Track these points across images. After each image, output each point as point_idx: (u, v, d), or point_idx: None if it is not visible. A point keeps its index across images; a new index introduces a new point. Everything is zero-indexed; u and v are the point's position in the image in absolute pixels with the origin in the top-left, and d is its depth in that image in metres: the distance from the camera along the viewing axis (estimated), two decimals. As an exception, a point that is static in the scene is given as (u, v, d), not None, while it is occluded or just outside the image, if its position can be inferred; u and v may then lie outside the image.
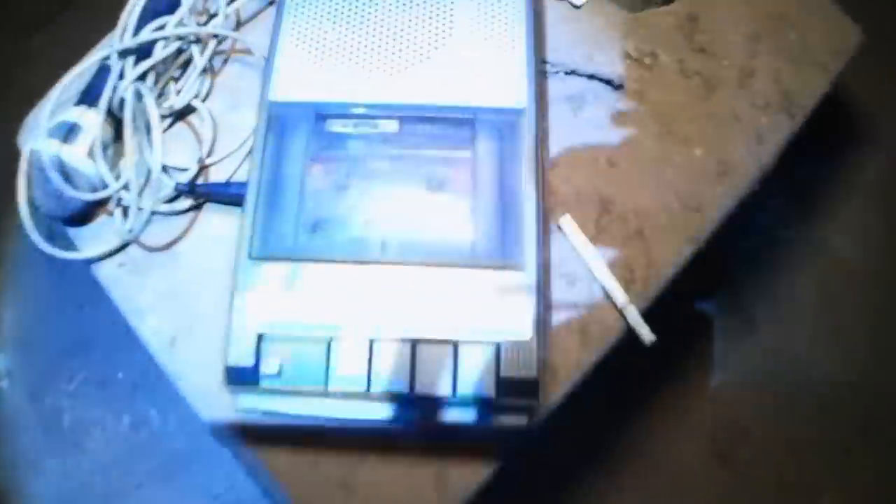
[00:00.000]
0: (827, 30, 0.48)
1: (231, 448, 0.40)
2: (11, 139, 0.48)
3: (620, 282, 0.41)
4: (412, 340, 0.34)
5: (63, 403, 0.73)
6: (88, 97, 0.45)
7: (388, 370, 0.34)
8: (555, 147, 0.44)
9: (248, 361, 0.35)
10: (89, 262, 0.44)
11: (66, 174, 0.43)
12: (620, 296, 0.41)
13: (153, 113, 0.43)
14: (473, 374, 0.34)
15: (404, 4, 0.42)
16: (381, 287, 0.35)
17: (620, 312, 0.41)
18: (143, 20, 0.46)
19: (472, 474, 0.39)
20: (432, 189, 0.37)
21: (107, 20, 0.47)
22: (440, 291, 0.35)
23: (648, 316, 0.41)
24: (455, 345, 0.34)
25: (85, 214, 0.45)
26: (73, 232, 0.46)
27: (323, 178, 0.38)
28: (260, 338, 0.35)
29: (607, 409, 0.65)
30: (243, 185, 0.40)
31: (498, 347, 0.34)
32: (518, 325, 0.34)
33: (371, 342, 0.34)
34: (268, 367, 0.35)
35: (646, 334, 0.41)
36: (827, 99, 0.48)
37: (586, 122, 0.45)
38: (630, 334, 0.41)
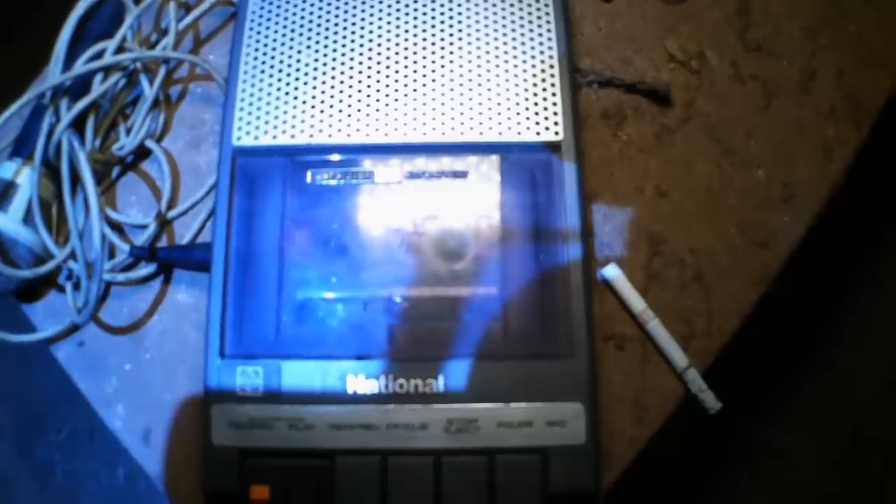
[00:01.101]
0: (883, 21, 0.40)
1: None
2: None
3: (678, 339, 0.34)
4: (435, 452, 0.28)
5: (54, 456, 0.70)
6: (23, 148, 0.38)
7: (406, 492, 0.27)
8: (591, 177, 0.36)
9: (231, 487, 0.28)
10: (48, 341, 0.38)
11: (1, 248, 0.36)
12: (680, 358, 0.34)
13: (84, 164, 0.36)
14: (515, 491, 0.27)
15: (402, 13, 0.34)
16: (391, 388, 0.28)
17: (680, 377, 0.34)
18: (81, 47, 0.38)
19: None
20: (449, 257, 0.30)
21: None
22: (466, 390, 0.28)
23: (710, 375, 0.34)
24: (490, 455, 0.27)
25: (33, 288, 0.38)
26: (28, 308, 0.39)
27: (307, 246, 0.30)
28: (244, 456, 0.28)
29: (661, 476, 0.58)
30: (209, 246, 0.33)
31: (545, 456, 0.27)
32: (569, 426, 0.27)
33: (384, 457, 0.28)
34: (256, 493, 0.28)
35: (711, 402, 0.34)
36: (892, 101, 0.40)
37: (628, 144, 0.37)
38: (692, 401, 0.34)
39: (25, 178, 0.37)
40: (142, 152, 0.39)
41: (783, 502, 0.64)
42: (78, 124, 0.37)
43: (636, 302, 0.34)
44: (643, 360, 0.34)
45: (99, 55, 0.38)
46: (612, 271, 0.34)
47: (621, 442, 0.34)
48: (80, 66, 0.37)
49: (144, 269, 0.37)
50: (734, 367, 0.37)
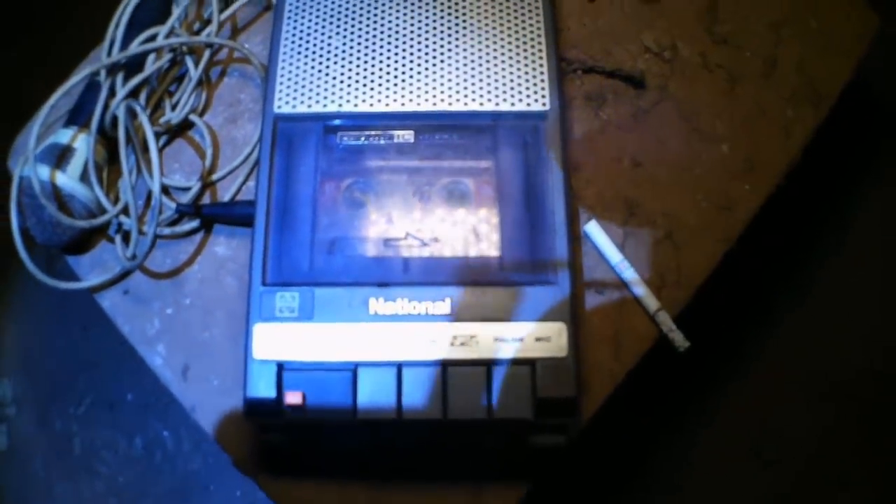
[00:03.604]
0: (847, 16, 0.47)
1: (254, 478, 0.38)
2: (2, 161, 0.46)
3: (651, 287, 0.39)
4: (442, 362, 0.33)
5: (73, 428, 0.71)
6: (78, 117, 0.43)
7: (418, 395, 0.32)
8: (576, 149, 0.42)
9: (270, 393, 0.33)
10: (92, 290, 0.42)
11: (61, 201, 0.41)
12: (652, 302, 0.39)
13: (149, 130, 0.41)
14: (509, 395, 0.32)
15: (414, 5, 0.40)
16: (407, 309, 0.33)
17: (652, 319, 0.39)
18: (132, 32, 0.44)
19: (508, 496, 0.37)
20: (455, 202, 0.35)
21: (96, 33, 0.44)
22: (469, 311, 0.33)
23: (681, 321, 0.40)
24: (488, 366, 0.32)
25: (83, 242, 0.43)
26: (73, 260, 0.43)
27: (337, 194, 0.36)
28: (280, 368, 0.33)
29: (636, 413, 0.63)
30: (250, 203, 0.38)
31: (533, 367, 0.32)
32: (553, 342, 0.33)
33: (399, 367, 0.33)
34: (291, 398, 0.33)
35: (679, 340, 0.39)
36: (850, 88, 0.46)
37: (607, 122, 0.43)
38: (663, 342, 0.39)
39: (81, 143, 0.42)
40: (184, 126, 0.45)
41: (747, 436, 0.68)
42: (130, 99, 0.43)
43: (613, 254, 0.40)
44: (620, 305, 0.40)
45: (152, 38, 0.44)
46: (592, 227, 0.40)
47: (601, 376, 0.39)
48: (135, 47, 0.43)
49: (188, 225, 0.42)
50: (701, 316, 0.42)
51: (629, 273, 0.39)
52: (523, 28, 0.39)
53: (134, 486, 0.68)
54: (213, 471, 0.67)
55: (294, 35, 0.40)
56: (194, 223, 0.42)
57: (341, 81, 0.38)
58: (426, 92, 0.37)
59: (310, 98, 0.38)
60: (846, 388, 0.69)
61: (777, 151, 0.43)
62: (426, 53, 0.38)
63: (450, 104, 0.37)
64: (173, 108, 0.44)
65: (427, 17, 0.39)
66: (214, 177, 0.43)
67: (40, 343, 0.74)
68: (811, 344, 0.70)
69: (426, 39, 0.39)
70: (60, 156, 0.41)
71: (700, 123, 0.43)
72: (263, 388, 0.33)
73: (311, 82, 0.38)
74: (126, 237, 0.42)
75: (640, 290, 0.39)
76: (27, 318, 0.74)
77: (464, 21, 0.39)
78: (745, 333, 0.71)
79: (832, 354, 0.70)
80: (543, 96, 0.37)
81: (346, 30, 0.40)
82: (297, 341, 0.33)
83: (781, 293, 0.72)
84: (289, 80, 0.38)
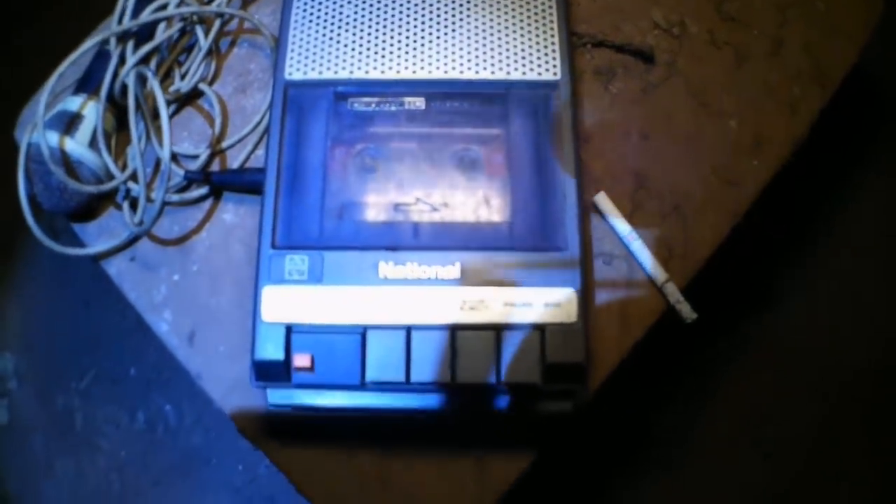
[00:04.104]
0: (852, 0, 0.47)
1: (260, 446, 0.39)
2: (9, 134, 0.46)
3: (659, 259, 0.40)
4: (451, 327, 0.33)
5: (74, 403, 0.71)
6: (87, 85, 0.43)
7: (426, 359, 0.32)
8: (585, 122, 0.42)
9: (278, 356, 0.33)
10: (98, 258, 0.42)
11: (69, 167, 0.41)
12: (660, 273, 0.39)
13: (160, 95, 0.41)
14: (517, 360, 0.32)
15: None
16: (416, 274, 0.33)
17: (660, 291, 0.39)
18: (143, 2, 0.44)
19: (514, 464, 0.37)
20: (465, 169, 0.35)
21: (104, 6, 0.44)
22: (478, 276, 0.33)
23: (688, 294, 0.40)
24: (497, 330, 0.33)
25: (90, 208, 0.43)
26: (79, 228, 0.44)
27: (347, 160, 0.36)
28: (289, 331, 0.33)
29: (640, 390, 0.64)
30: (259, 171, 0.38)
31: (542, 332, 0.33)
32: (563, 308, 0.33)
33: (408, 331, 0.33)
34: (300, 361, 0.33)
35: (686, 312, 0.39)
36: (855, 70, 0.46)
37: (617, 96, 0.43)
38: (670, 314, 0.40)
39: (90, 110, 0.42)
40: (193, 95, 0.45)
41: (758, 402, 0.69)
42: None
43: (622, 225, 0.40)
44: (628, 276, 0.40)
45: (163, 7, 0.43)
46: (601, 198, 0.40)
47: (609, 347, 0.39)
48: (146, 16, 0.43)
49: (197, 192, 0.42)
50: (706, 298, 0.42)
51: (637, 244, 0.39)
52: (537, 3, 0.39)
53: (135, 460, 0.68)
54: (216, 445, 0.67)
55: (305, 1, 0.40)
56: (203, 190, 0.42)
57: (352, 48, 0.38)
58: (437, 59, 0.37)
59: (321, 64, 0.38)
60: (847, 379, 0.69)
61: (784, 128, 0.43)
62: (438, 21, 0.38)
63: (461, 72, 0.37)
64: (183, 77, 0.44)
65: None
66: (223, 145, 0.43)
67: (42, 318, 0.74)
68: (813, 333, 0.71)
69: (438, 7, 0.39)
70: (69, 123, 0.41)
71: (708, 99, 0.43)
72: (272, 350, 0.33)
73: (322, 48, 0.38)
74: (134, 204, 0.42)
75: (648, 261, 0.39)
76: (29, 292, 0.74)
77: (478, -8, 0.39)
78: (747, 320, 0.71)
79: (834, 345, 0.70)
80: (555, 66, 0.37)
81: (357, -3, 0.39)
82: (305, 304, 0.34)
83: (785, 280, 0.72)
84: (300, 46, 0.38)
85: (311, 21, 0.39)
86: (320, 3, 0.39)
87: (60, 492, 0.69)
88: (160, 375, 0.70)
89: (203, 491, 0.66)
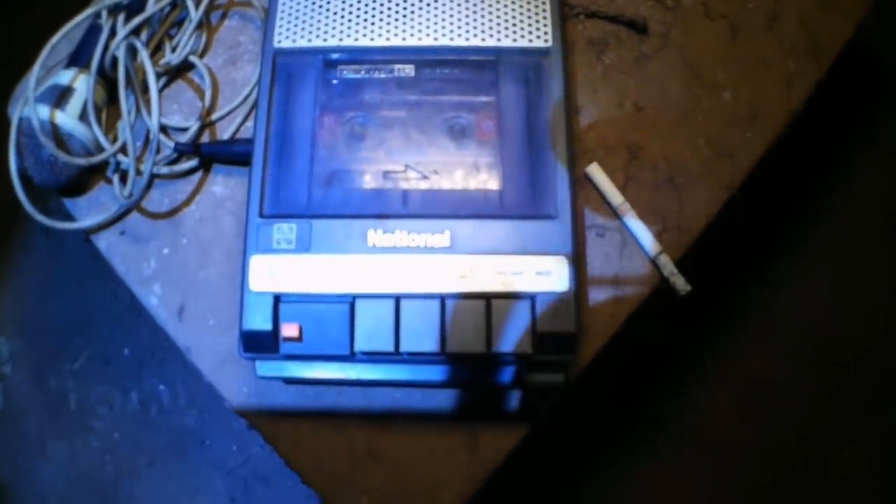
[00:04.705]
0: None
1: (249, 420, 0.38)
2: (1, 110, 0.45)
3: (652, 231, 0.39)
4: (441, 296, 0.32)
5: (68, 384, 0.71)
6: (79, 59, 0.43)
7: (416, 329, 0.32)
8: (578, 93, 0.42)
9: (266, 326, 0.33)
10: (88, 231, 0.42)
11: (59, 140, 0.40)
12: (653, 245, 0.39)
13: (149, 67, 0.41)
14: (508, 329, 0.32)
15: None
16: (405, 242, 0.33)
17: (654, 263, 0.39)
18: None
19: (506, 439, 0.37)
20: (455, 136, 0.35)
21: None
22: (468, 244, 0.33)
23: (682, 268, 0.39)
24: (488, 299, 0.32)
25: (80, 182, 0.43)
26: (69, 202, 0.43)
27: (336, 128, 0.35)
28: (277, 300, 0.33)
29: (632, 367, 0.63)
30: (248, 142, 0.38)
31: (533, 301, 0.32)
32: (554, 276, 0.32)
33: (397, 300, 0.32)
34: (288, 331, 0.33)
35: (681, 284, 0.39)
36: (852, 44, 0.45)
37: (610, 67, 0.42)
38: (663, 286, 0.39)
39: (81, 84, 0.41)
40: (183, 68, 0.44)
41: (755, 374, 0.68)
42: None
43: (614, 196, 0.39)
44: (621, 248, 0.39)
45: (152, -22, 0.43)
46: (594, 169, 0.40)
47: (602, 319, 0.39)
48: (135, -14, 0.42)
49: (186, 164, 0.42)
50: (700, 272, 0.41)
51: (630, 216, 0.39)
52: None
53: (129, 441, 0.68)
54: (209, 425, 0.67)
55: (295, -30, 0.39)
56: (192, 162, 0.42)
57: (341, 15, 0.37)
58: (428, 27, 0.37)
59: (310, 32, 0.37)
60: (844, 355, 0.69)
61: (779, 101, 0.43)
62: (429, -12, 0.38)
63: (451, 39, 0.36)
64: (173, 50, 0.44)
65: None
66: (213, 117, 0.43)
67: (35, 300, 0.73)
68: (809, 309, 0.70)
69: (429, -26, 0.38)
70: (60, 96, 0.41)
71: (702, 71, 0.43)
72: (260, 320, 0.33)
73: (312, 16, 0.38)
74: (124, 177, 0.41)
75: (642, 232, 0.39)
76: (22, 275, 0.74)
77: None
78: (743, 295, 0.71)
79: (828, 319, 0.70)
80: (546, 33, 0.36)
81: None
82: (294, 273, 0.33)
83: (782, 255, 0.72)
84: (289, 14, 0.38)
85: (300, -11, 0.38)
86: (309, -29, 0.39)
87: (54, 474, 0.69)
88: (153, 355, 0.69)
89: (197, 471, 0.66)
